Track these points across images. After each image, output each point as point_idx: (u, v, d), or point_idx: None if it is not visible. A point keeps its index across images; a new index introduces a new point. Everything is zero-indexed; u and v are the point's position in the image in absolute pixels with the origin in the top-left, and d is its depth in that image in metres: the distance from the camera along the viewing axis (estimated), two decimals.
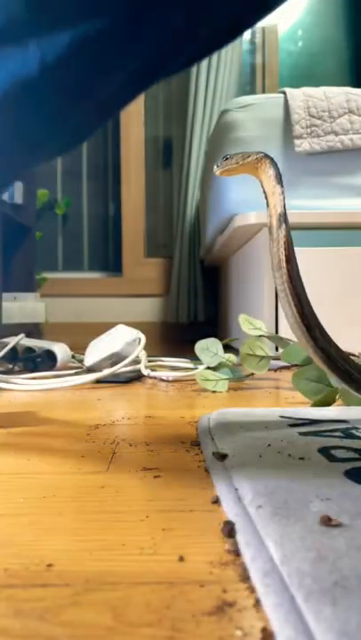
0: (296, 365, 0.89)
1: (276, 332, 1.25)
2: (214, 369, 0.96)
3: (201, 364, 0.98)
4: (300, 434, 0.53)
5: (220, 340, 1.00)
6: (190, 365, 1.13)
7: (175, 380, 1.03)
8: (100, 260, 2.39)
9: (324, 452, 0.46)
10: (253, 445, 0.49)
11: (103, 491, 0.40)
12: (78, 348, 1.95)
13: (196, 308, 2.20)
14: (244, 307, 1.57)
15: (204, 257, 2.12)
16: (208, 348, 0.97)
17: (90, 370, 1.12)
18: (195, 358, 1.00)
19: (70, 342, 2.23)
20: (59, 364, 1.16)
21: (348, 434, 0.53)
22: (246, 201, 1.33)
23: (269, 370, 0.97)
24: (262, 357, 0.93)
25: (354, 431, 0.54)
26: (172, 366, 1.15)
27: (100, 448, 0.52)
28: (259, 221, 1.29)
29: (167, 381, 1.03)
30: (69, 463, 0.47)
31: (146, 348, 1.10)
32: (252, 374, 0.96)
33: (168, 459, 0.48)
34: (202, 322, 2.19)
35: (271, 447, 0.48)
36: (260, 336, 0.95)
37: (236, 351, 1.09)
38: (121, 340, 1.07)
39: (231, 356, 0.97)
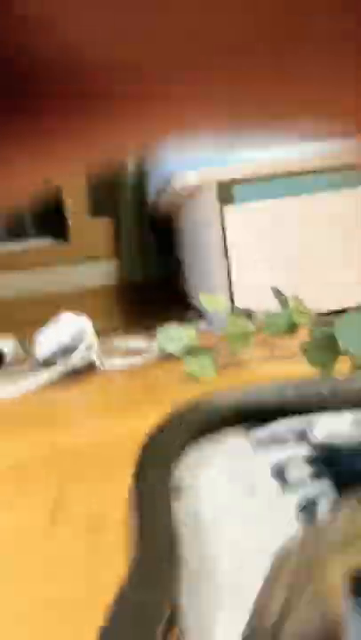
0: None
1: (232, 301, 1.19)
2: (191, 354, 0.88)
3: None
4: None
5: (182, 310, 0.94)
6: (148, 345, 1.08)
7: (134, 367, 0.98)
8: (42, 227, 2.27)
9: None
10: None
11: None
12: (29, 325, 1.85)
13: (150, 266, 2.13)
14: (196, 266, 1.52)
15: (152, 212, 2.04)
16: (172, 338, 0.92)
17: (43, 363, 1.06)
18: (151, 330, 0.95)
19: (19, 319, 2.10)
20: (7, 362, 1.10)
21: None
22: (185, 160, 1.25)
23: None
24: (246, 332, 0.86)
25: None
26: (129, 349, 1.10)
27: (39, 490, 0.47)
28: (200, 180, 1.22)
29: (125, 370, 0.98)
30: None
31: (99, 316, 1.05)
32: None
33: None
34: (156, 280, 2.13)
35: None
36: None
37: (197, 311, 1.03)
38: (67, 329, 1.01)
39: (192, 333, 0.91)
